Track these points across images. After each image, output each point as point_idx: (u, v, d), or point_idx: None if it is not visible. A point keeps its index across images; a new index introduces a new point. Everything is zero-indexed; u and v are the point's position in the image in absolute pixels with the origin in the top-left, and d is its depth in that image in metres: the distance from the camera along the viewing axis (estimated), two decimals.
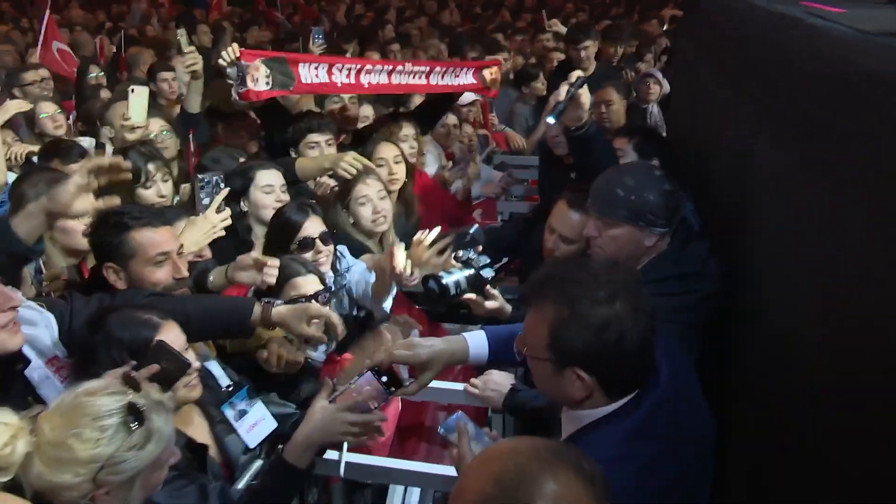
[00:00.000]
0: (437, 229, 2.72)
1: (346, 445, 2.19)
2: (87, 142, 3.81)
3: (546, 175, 3.83)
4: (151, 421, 1.48)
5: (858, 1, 2.31)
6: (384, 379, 1.83)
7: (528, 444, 1.15)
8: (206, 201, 2.69)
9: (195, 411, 1.98)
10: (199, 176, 2.80)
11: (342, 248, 2.93)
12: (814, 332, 1.59)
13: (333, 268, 2.84)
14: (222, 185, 2.76)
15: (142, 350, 1.80)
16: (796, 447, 1.63)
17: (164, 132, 3.84)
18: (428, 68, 3.88)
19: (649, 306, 1.55)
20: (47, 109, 4.27)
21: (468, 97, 4.66)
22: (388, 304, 2.81)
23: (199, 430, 1.96)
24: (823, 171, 1.59)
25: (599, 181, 2.35)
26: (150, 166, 3.06)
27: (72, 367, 1.87)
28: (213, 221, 2.65)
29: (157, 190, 3.07)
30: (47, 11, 6.44)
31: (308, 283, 2.49)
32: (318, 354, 2.61)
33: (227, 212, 2.72)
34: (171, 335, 1.86)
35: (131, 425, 1.45)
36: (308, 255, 2.72)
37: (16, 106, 3.93)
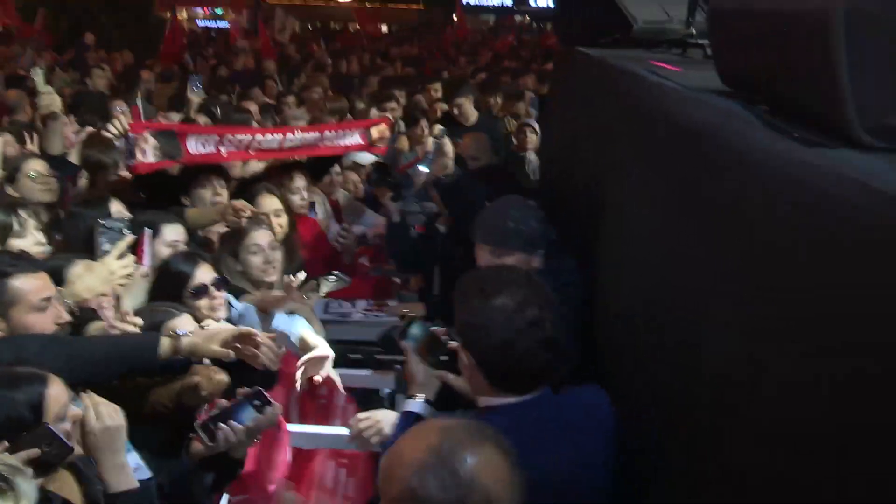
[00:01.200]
0: (303, 275, 2.87)
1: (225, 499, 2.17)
2: None
3: None
4: (18, 485, 1.44)
5: (697, 62, 2.63)
6: (256, 402, 1.97)
7: (457, 423, 1.37)
8: (105, 247, 2.59)
9: (68, 475, 1.90)
10: (101, 221, 2.70)
11: (227, 296, 2.88)
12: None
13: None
14: (125, 233, 2.66)
15: (37, 407, 1.72)
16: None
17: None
18: (318, 133, 3.93)
19: (542, 318, 1.70)
20: None
21: (368, 157, 4.72)
22: None
23: (74, 493, 1.87)
24: (655, 205, 1.82)
25: (486, 219, 2.58)
26: (22, 213, 2.87)
27: None
28: (111, 268, 2.52)
29: (35, 238, 2.88)
30: None
31: (185, 322, 2.43)
32: None
33: (130, 259, 2.61)
34: (57, 389, 1.78)
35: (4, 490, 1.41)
36: (203, 303, 2.67)
37: None
